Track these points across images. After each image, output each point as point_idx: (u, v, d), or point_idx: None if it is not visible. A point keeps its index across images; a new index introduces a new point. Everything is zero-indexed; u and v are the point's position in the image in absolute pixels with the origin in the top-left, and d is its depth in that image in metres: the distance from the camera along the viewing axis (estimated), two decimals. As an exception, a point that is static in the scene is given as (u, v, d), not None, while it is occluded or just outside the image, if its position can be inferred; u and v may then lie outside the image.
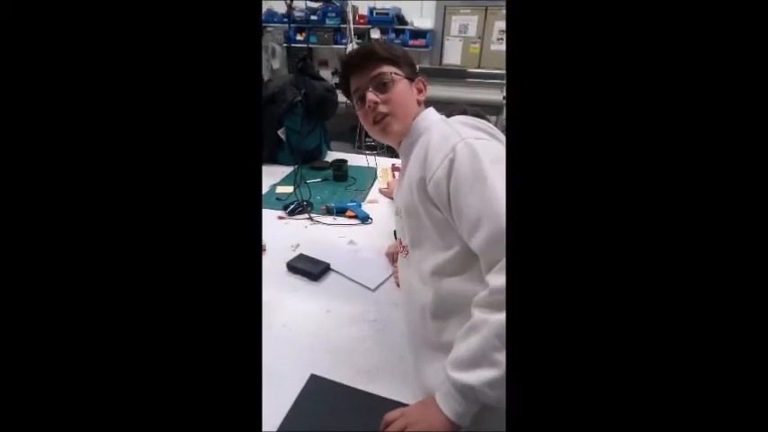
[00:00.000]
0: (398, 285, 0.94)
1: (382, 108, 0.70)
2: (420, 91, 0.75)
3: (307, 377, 0.68)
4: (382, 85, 0.70)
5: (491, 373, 0.48)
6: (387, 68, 0.70)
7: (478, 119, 0.66)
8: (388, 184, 1.42)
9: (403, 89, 0.71)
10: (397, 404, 0.63)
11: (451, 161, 0.57)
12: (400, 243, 0.76)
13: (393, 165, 1.59)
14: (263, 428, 0.58)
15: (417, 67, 0.77)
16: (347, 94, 0.77)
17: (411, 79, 0.73)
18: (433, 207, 0.61)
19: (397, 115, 0.70)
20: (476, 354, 0.49)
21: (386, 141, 0.76)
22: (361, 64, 0.71)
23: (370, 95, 0.69)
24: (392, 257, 1.02)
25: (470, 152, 0.56)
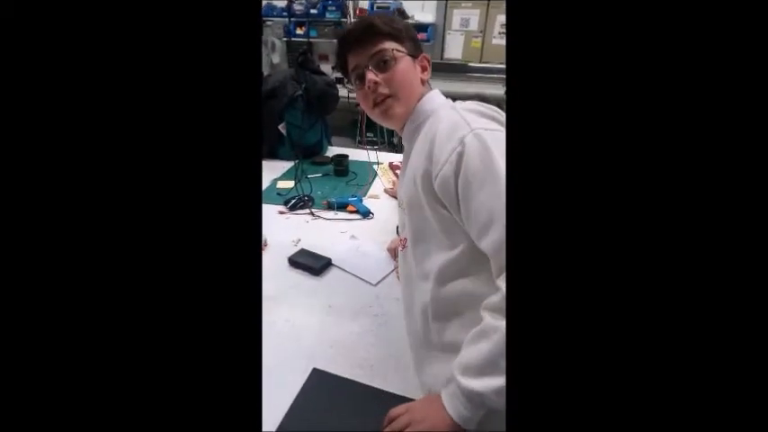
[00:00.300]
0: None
1: (383, 89, 0.64)
2: (424, 69, 0.68)
3: (309, 372, 0.68)
4: (383, 63, 0.63)
5: (500, 381, 0.46)
6: (388, 44, 0.64)
7: (488, 105, 0.61)
8: (393, 184, 1.39)
9: (406, 67, 0.64)
10: (400, 398, 0.63)
11: (460, 155, 0.52)
12: (402, 237, 0.73)
13: (391, 163, 1.58)
14: (266, 424, 0.58)
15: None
16: (345, 73, 0.71)
17: (414, 56, 0.66)
18: (439, 204, 0.57)
19: (399, 97, 0.64)
20: (486, 360, 0.48)
21: (387, 125, 0.70)
22: (360, 39, 0.65)
23: (370, 75, 0.63)
24: (394, 252, 1.01)
25: (481, 145, 0.51)
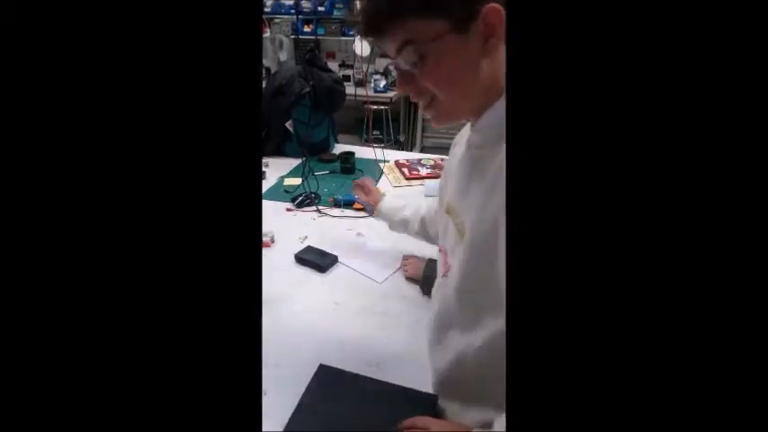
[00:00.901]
0: (408, 278, 0.94)
1: (422, 95, 0.47)
2: (489, 34, 0.41)
3: (315, 368, 0.69)
4: (412, 64, 0.43)
5: None
6: (418, 26, 0.41)
7: None
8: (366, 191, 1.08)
9: (448, 60, 0.43)
10: (407, 390, 0.63)
11: None
12: (444, 256, 0.57)
13: (397, 161, 1.57)
14: (272, 420, 0.59)
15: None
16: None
17: (467, 19, 0.41)
18: None
19: (446, 101, 0.46)
20: None
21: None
22: (380, 24, 0.44)
23: (399, 81, 0.46)
24: (409, 268, 0.93)
25: None
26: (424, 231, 0.91)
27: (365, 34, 0.46)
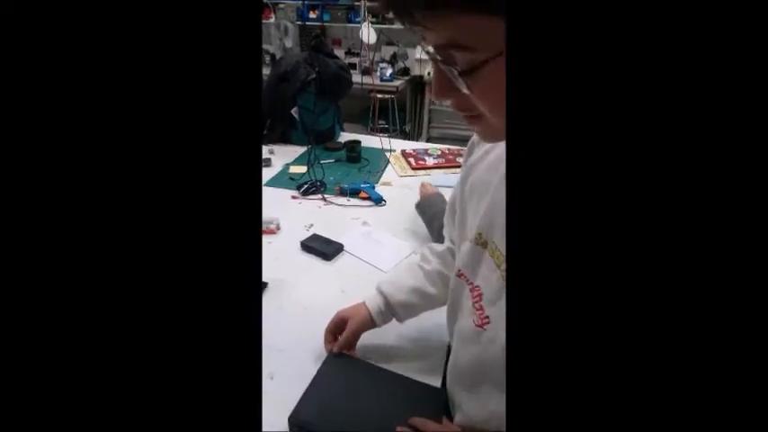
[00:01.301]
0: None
1: (467, 109, 0.35)
2: None
3: (321, 355, 0.69)
4: (465, 68, 0.31)
5: None
6: (473, 26, 0.28)
7: None
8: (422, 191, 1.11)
9: (499, 77, 0.27)
10: (419, 384, 0.63)
11: None
12: (475, 296, 0.51)
13: (403, 151, 1.56)
14: (279, 405, 0.59)
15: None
16: None
17: None
18: None
19: (500, 123, 0.34)
20: None
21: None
22: (408, 10, 0.30)
23: (437, 87, 0.35)
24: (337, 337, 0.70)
25: None
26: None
27: (396, 17, 0.32)
